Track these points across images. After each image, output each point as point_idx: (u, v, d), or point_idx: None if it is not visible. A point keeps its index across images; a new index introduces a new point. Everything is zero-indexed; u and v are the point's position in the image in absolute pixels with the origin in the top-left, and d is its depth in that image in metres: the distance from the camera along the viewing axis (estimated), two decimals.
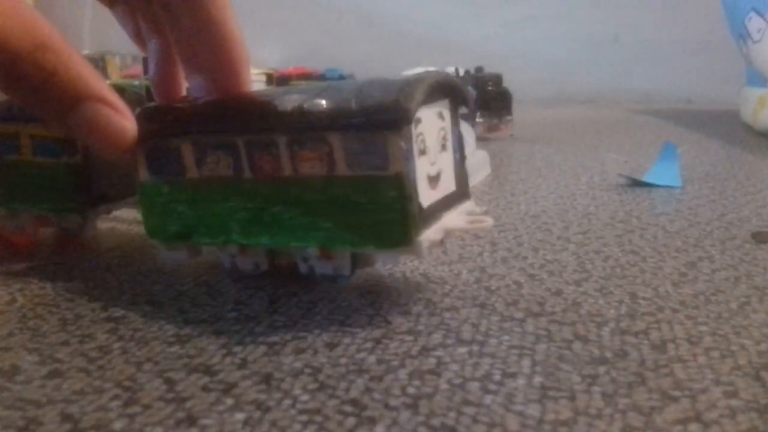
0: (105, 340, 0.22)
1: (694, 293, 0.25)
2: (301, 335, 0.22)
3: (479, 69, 0.78)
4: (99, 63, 1.04)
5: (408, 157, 0.22)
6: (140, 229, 0.35)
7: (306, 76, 0.91)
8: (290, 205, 0.23)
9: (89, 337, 0.22)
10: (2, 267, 0.30)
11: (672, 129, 0.86)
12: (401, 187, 0.22)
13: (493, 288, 0.26)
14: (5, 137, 0.30)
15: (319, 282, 0.26)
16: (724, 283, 0.26)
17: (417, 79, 0.22)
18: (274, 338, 0.22)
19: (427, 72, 0.24)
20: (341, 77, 0.92)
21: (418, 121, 0.22)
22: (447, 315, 0.23)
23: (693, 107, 1.19)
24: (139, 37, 0.32)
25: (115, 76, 1.00)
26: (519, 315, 0.23)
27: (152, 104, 0.29)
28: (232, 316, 0.24)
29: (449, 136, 0.25)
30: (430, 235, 0.23)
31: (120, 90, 0.26)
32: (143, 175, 0.26)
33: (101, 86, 0.23)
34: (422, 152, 0.23)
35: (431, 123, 0.24)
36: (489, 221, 0.24)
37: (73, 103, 0.22)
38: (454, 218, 0.24)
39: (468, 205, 0.26)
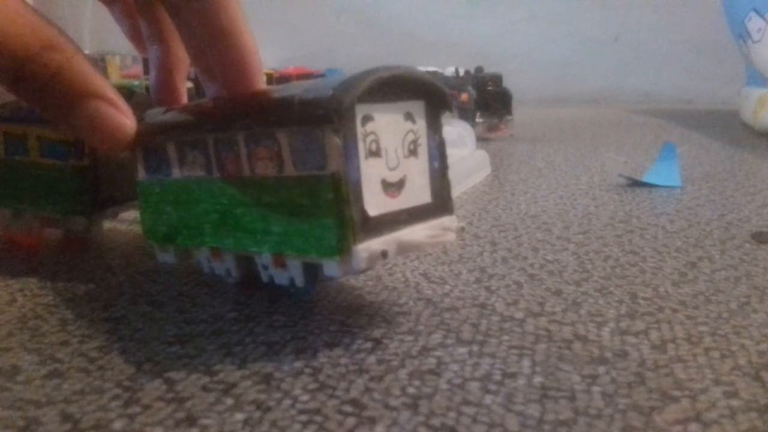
0: (105, 340, 0.22)
1: (694, 293, 0.25)
2: (301, 335, 0.22)
3: (479, 69, 0.78)
4: (99, 63, 1.04)
5: (348, 156, 0.20)
6: (140, 229, 0.35)
7: (306, 76, 0.91)
8: (249, 207, 0.22)
9: (89, 337, 0.22)
10: (3, 267, 0.29)
11: (672, 129, 0.86)
12: (337, 189, 0.20)
13: (493, 288, 0.26)
14: (13, 138, 0.30)
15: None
16: (724, 283, 0.26)
17: (366, 72, 0.20)
18: (274, 338, 0.22)
19: (382, 66, 0.21)
20: None
21: (369, 118, 0.21)
22: (447, 315, 0.23)
23: (693, 107, 1.19)
24: (136, 37, 0.32)
25: (115, 76, 1.00)
26: (519, 315, 0.23)
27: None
28: (232, 316, 0.24)
29: (422, 142, 0.23)
30: (372, 245, 0.20)
31: (129, 93, 0.26)
32: (141, 173, 0.26)
33: (103, 84, 0.23)
34: (373, 153, 0.21)
35: (391, 123, 0.22)
36: (449, 236, 0.22)
37: (77, 101, 0.22)
38: (415, 232, 0.22)
39: (446, 221, 0.23)
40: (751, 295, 0.25)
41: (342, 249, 0.20)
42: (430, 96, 0.23)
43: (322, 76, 0.92)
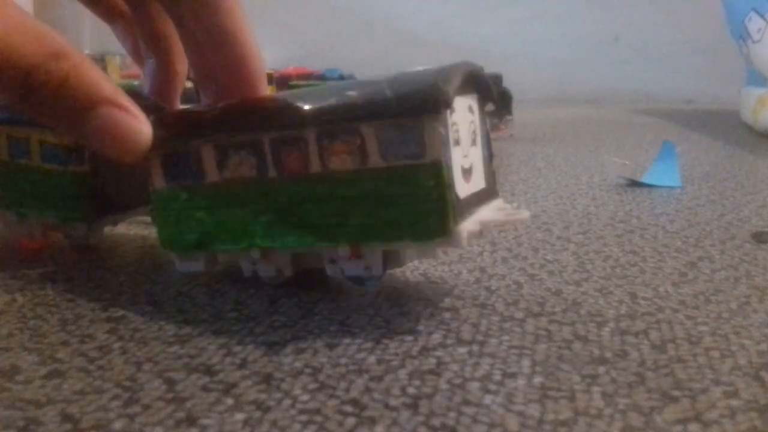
0: (105, 340, 0.22)
1: (694, 293, 0.25)
2: (301, 335, 0.22)
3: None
4: (99, 63, 1.04)
5: (445, 144, 0.21)
6: (139, 230, 0.35)
7: (306, 76, 0.91)
8: (319, 202, 0.23)
9: (89, 337, 0.22)
10: (3, 267, 0.29)
11: (672, 129, 0.86)
12: (439, 175, 0.21)
13: (493, 288, 0.26)
14: (17, 140, 0.30)
15: (346, 287, 0.25)
16: (724, 283, 0.26)
17: (453, 66, 0.22)
18: (274, 338, 0.22)
19: (461, 62, 0.23)
20: (341, 77, 0.91)
21: (453, 110, 0.22)
22: (447, 315, 0.23)
23: (693, 107, 1.19)
24: (137, 54, 0.32)
25: (115, 76, 1.00)
26: (519, 315, 0.23)
27: (167, 110, 0.29)
28: (232, 316, 0.24)
29: (478, 131, 0.25)
30: (468, 225, 0.22)
31: (138, 97, 0.26)
32: (158, 182, 0.25)
33: (114, 90, 0.22)
34: (456, 142, 0.22)
35: (463, 114, 0.23)
36: (525, 213, 0.24)
37: (87, 109, 0.22)
38: (488, 212, 0.24)
39: (498, 203, 0.25)
40: (751, 295, 0.25)
41: (445, 231, 0.21)
42: (481, 90, 0.25)
43: (321, 75, 0.92)
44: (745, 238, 0.33)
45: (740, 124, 0.84)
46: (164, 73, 0.30)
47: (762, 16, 0.78)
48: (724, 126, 0.85)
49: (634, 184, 0.47)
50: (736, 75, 0.89)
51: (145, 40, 0.31)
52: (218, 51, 0.25)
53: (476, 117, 0.24)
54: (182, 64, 0.31)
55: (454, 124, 0.22)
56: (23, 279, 0.28)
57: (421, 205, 0.21)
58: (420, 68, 0.23)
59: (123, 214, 0.32)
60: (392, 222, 0.22)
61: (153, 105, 0.26)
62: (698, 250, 0.31)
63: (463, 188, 0.23)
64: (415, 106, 0.21)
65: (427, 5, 1.45)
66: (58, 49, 0.21)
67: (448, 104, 0.21)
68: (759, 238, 0.33)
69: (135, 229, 0.36)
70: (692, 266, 0.29)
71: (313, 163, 0.23)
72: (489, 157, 0.25)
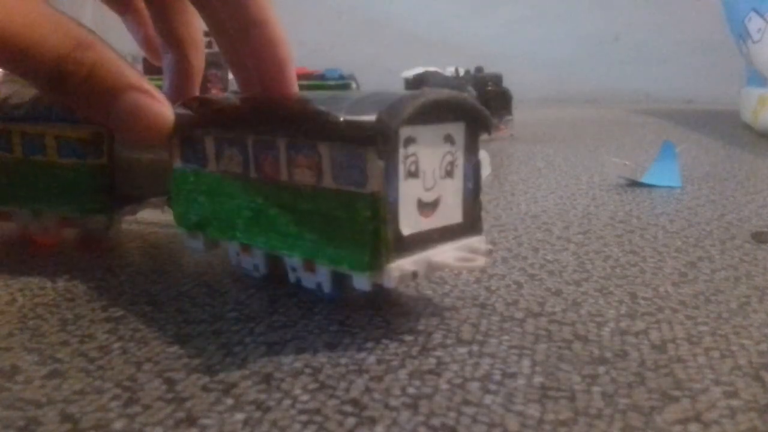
0: (105, 340, 0.22)
1: (694, 293, 0.25)
2: (301, 335, 0.22)
3: (479, 69, 0.78)
4: None
5: (388, 178, 0.20)
6: (140, 228, 0.35)
7: (306, 76, 0.91)
8: (284, 210, 0.23)
9: (89, 337, 0.22)
10: (3, 267, 0.29)
11: (672, 129, 0.86)
12: (375, 208, 0.20)
13: (493, 288, 0.26)
14: (31, 137, 0.30)
15: (281, 295, 0.25)
16: (724, 283, 0.26)
17: (412, 96, 0.21)
18: (274, 338, 0.22)
19: (429, 89, 0.22)
20: (341, 77, 0.91)
21: (411, 140, 0.21)
22: (447, 315, 0.23)
23: (693, 107, 1.19)
24: (149, 46, 0.33)
25: None
26: (519, 315, 0.23)
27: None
28: (232, 316, 0.24)
29: (459, 163, 0.23)
30: (403, 264, 0.21)
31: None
32: (176, 161, 0.26)
33: (138, 77, 0.23)
34: (411, 175, 0.21)
35: (431, 144, 0.22)
36: (480, 261, 0.22)
37: (115, 95, 0.23)
38: (445, 252, 0.22)
39: (474, 241, 0.24)
40: (751, 295, 0.25)
41: (374, 266, 0.21)
42: (471, 118, 0.23)
43: (321, 76, 0.92)
44: (745, 238, 0.33)
45: (740, 124, 0.84)
46: (181, 67, 0.31)
47: (762, 16, 0.78)
48: (724, 126, 0.85)
49: (634, 184, 0.47)
50: (736, 75, 0.89)
51: (161, 34, 0.31)
52: (247, 39, 0.26)
53: (457, 147, 0.23)
54: (199, 57, 0.31)
55: (411, 155, 0.21)
56: (23, 279, 0.28)
57: (359, 234, 0.21)
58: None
59: (140, 203, 0.32)
60: (337, 245, 0.22)
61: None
62: (698, 250, 0.31)
63: (414, 224, 0.22)
64: (358, 135, 0.20)
65: (427, 5, 1.45)
66: (84, 38, 0.22)
67: (387, 139, 0.20)
68: (759, 238, 0.33)
69: (135, 226, 0.36)
70: (692, 266, 0.29)
71: (282, 171, 0.23)
72: (473, 190, 0.24)
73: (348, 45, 1.37)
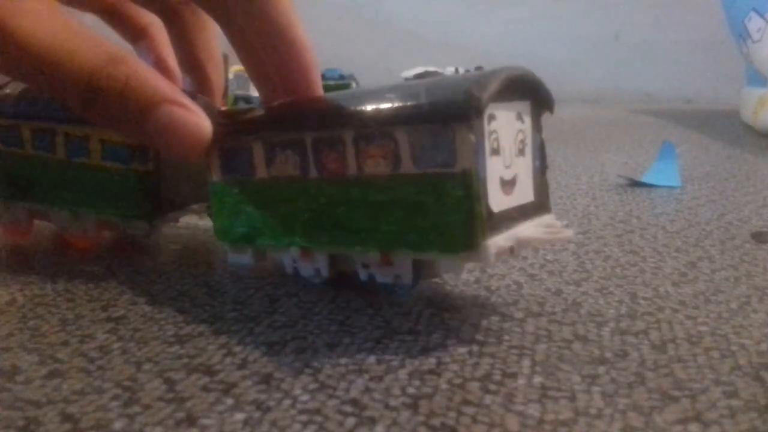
0: (105, 340, 0.22)
1: (694, 293, 0.25)
2: (301, 335, 0.22)
3: (479, 69, 0.78)
4: None
5: (477, 153, 0.20)
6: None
7: None
8: (353, 206, 0.22)
9: (89, 337, 0.22)
10: (2, 267, 0.29)
11: (672, 129, 0.86)
12: (468, 186, 0.20)
13: (493, 288, 0.26)
14: (75, 139, 0.30)
15: (378, 293, 0.25)
16: (724, 283, 0.26)
17: (493, 72, 0.21)
18: (274, 338, 0.22)
19: (504, 67, 0.22)
20: (341, 77, 0.92)
21: (492, 117, 0.21)
22: (447, 315, 0.23)
23: (693, 107, 1.19)
24: (160, 68, 0.33)
25: None
26: (519, 315, 0.23)
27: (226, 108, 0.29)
28: (232, 316, 0.24)
29: (528, 141, 0.23)
30: (498, 241, 0.21)
31: (190, 96, 0.26)
32: (216, 174, 0.25)
33: (173, 89, 0.23)
34: (495, 152, 0.21)
35: (508, 122, 0.22)
36: (568, 232, 0.22)
37: (150, 109, 0.22)
38: (530, 228, 0.22)
39: (547, 219, 0.24)
40: (751, 295, 0.25)
41: (471, 245, 0.20)
42: (536, 96, 0.24)
43: (322, 75, 0.92)
44: (745, 238, 0.33)
45: (740, 124, 0.84)
46: (204, 88, 0.31)
47: (762, 16, 0.78)
48: (724, 126, 0.85)
49: (634, 184, 0.47)
50: (736, 75, 0.89)
51: (180, 56, 0.31)
52: (270, 48, 0.25)
53: (527, 126, 0.23)
54: (219, 77, 0.31)
55: (493, 132, 0.21)
56: (23, 279, 0.28)
57: (449, 216, 0.20)
58: (465, 71, 0.22)
59: (182, 210, 0.32)
60: (421, 231, 0.21)
61: (204, 103, 0.26)
62: (698, 250, 0.31)
63: (500, 201, 0.21)
64: (446, 112, 0.20)
65: (427, 5, 1.45)
66: (115, 53, 0.22)
67: (479, 112, 0.20)
68: (759, 238, 0.33)
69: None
70: (692, 266, 0.29)
71: (350, 165, 0.22)
72: (541, 169, 0.24)
73: (348, 45, 1.37)
